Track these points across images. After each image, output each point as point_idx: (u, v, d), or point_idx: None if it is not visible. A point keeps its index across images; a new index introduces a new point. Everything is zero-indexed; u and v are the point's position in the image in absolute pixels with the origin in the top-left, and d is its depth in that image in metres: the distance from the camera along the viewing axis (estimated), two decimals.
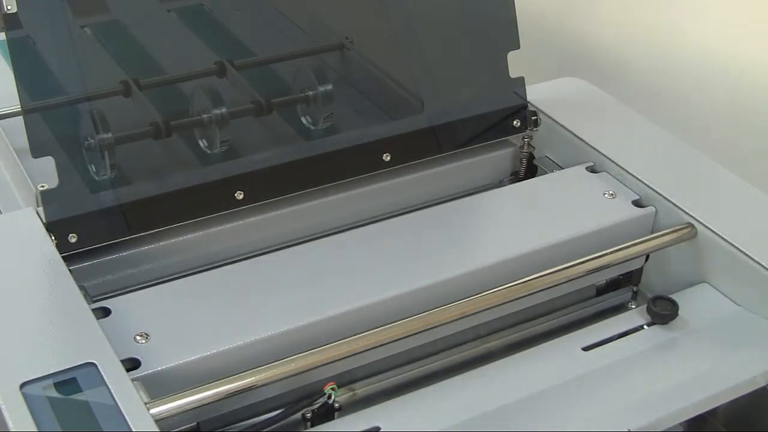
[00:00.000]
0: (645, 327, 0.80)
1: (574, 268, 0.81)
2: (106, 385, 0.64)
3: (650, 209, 0.88)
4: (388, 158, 0.94)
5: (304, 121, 0.96)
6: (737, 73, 1.28)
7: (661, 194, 0.88)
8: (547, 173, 0.97)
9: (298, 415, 0.75)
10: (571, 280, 0.81)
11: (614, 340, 0.79)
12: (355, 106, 1.00)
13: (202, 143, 0.90)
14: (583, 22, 1.46)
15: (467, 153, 0.97)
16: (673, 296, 0.81)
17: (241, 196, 0.85)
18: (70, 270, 0.75)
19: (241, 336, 0.72)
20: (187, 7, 1.05)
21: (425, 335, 0.77)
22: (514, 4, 0.95)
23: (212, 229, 0.85)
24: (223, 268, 0.79)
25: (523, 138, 0.99)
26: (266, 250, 0.86)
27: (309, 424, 0.75)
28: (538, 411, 0.71)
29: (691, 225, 0.85)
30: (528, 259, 0.82)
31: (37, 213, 0.79)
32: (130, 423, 0.61)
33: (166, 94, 0.94)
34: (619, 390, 0.73)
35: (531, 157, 0.99)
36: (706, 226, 0.84)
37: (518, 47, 0.95)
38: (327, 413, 0.75)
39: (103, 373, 0.65)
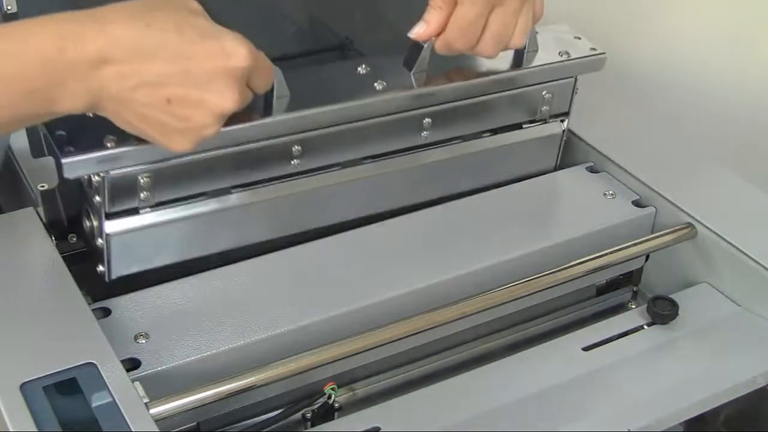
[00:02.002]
0: (645, 327, 0.80)
1: (575, 268, 0.81)
2: (106, 385, 0.64)
3: (650, 209, 0.88)
4: None
5: None
6: (737, 72, 1.28)
7: (661, 194, 0.88)
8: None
9: (298, 415, 0.75)
10: (571, 280, 0.81)
11: (614, 340, 0.79)
12: None
13: None
14: (583, 22, 1.46)
15: None
16: (673, 296, 0.81)
17: None
18: (70, 270, 0.75)
19: (241, 336, 0.72)
20: None
21: (425, 335, 0.77)
22: None
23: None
24: (223, 268, 0.79)
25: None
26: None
27: (309, 424, 0.75)
28: (538, 411, 0.71)
29: (691, 225, 0.85)
30: (528, 259, 0.82)
31: (37, 213, 0.79)
32: (130, 423, 0.61)
33: None
34: (619, 390, 0.73)
35: None
36: (706, 226, 0.84)
37: None
38: (327, 413, 0.75)
39: (103, 373, 0.65)
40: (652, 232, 0.87)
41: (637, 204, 0.89)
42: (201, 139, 0.67)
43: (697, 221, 0.85)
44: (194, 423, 0.72)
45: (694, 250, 0.85)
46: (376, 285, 0.77)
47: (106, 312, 0.73)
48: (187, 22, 0.65)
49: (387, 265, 0.80)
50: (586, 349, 0.77)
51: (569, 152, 0.97)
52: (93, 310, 0.72)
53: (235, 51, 0.65)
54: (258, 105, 0.74)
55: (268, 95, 0.75)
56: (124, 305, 0.74)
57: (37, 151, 0.81)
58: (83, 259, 0.80)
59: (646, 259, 0.90)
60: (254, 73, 0.69)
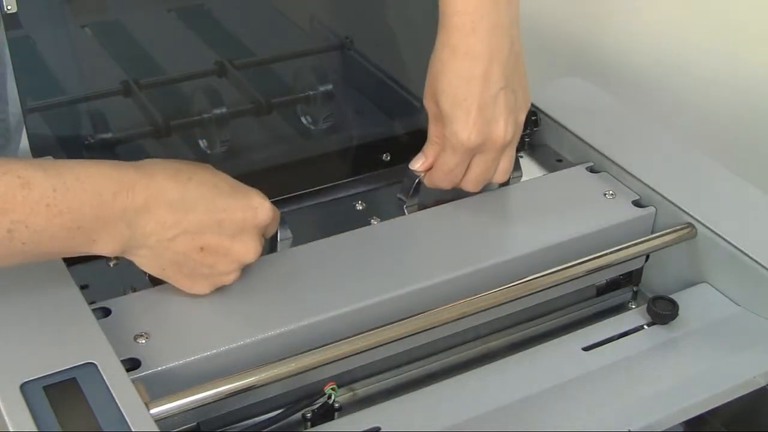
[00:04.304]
0: (645, 327, 0.80)
1: (575, 268, 0.81)
2: (106, 385, 0.64)
3: (650, 209, 0.88)
4: (388, 158, 0.94)
5: (304, 121, 0.96)
6: (737, 72, 1.28)
7: (661, 194, 0.88)
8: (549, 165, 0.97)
9: (299, 415, 0.75)
10: (571, 280, 0.81)
11: (614, 340, 0.79)
12: (355, 106, 1.00)
13: (202, 143, 0.90)
14: (583, 22, 1.46)
15: None
16: (673, 296, 0.81)
17: None
18: (70, 270, 0.75)
19: (241, 336, 0.72)
20: (187, 7, 1.05)
21: (425, 335, 0.77)
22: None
23: None
24: None
25: (523, 138, 0.99)
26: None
27: (309, 424, 0.75)
28: (538, 411, 0.71)
29: (691, 225, 0.85)
30: (528, 259, 0.82)
31: None
32: (130, 423, 0.61)
33: (166, 94, 0.94)
34: (619, 390, 0.73)
35: None
36: (706, 226, 0.84)
37: None
38: (327, 413, 0.75)
39: (103, 373, 0.65)
40: (652, 232, 0.87)
41: (637, 204, 0.89)
42: (220, 284, 0.75)
43: (697, 221, 0.85)
44: (194, 423, 0.72)
45: (694, 250, 0.85)
46: (376, 285, 0.77)
47: (106, 312, 0.73)
48: (219, 178, 0.74)
49: (387, 265, 0.80)
50: (586, 349, 0.77)
51: (569, 152, 0.97)
52: (93, 310, 0.72)
53: (261, 205, 0.74)
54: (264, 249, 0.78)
55: (273, 238, 0.81)
56: (124, 305, 0.74)
57: (37, 152, 0.81)
58: (83, 259, 0.80)
59: (646, 259, 0.90)
60: (269, 224, 0.76)
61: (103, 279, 0.78)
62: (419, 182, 0.86)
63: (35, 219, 0.65)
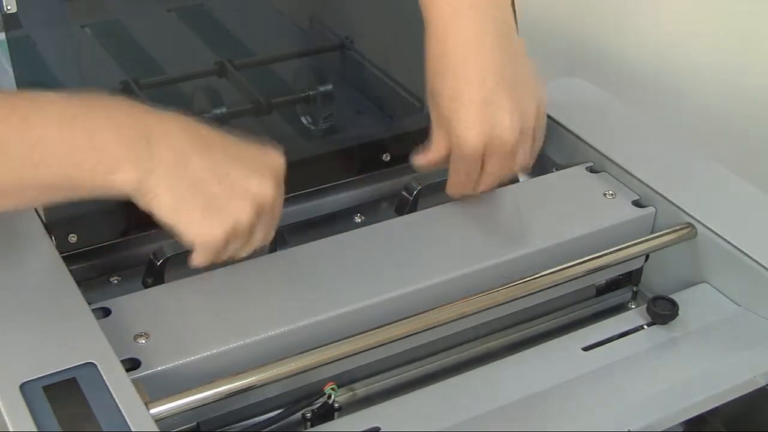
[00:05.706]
0: (645, 327, 0.80)
1: (574, 268, 0.81)
2: (106, 385, 0.64)
3: (650, 209, 0.88)
4: (388, 158, 0.94)
5: (304, 121, 0.96)
6: (737, 72, 1.28)
7: (661, 194, 0.88)
8: (547, 173, 0.97)
9: (298, 415, 0.75)
10: (571, 280, 0.81)
11: (614, 340, 0.79)
12: (355, 106, 1.00)
13: None
14: (583, 23, 1.46)
15: None
16: (673, 296, 0.81)
17: None
18: (70, 270, 0.75)
19: (241, 336, 0.72)
20: (187, 7, 1.05)
21: (425, 335, 0.77)
22: (513, 3, 0.95)
23: None
24: (223, 268, 0.79)
25: None
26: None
27: (309, 424, 0.75)
28: (538, 411, 0.71)
29: (691, 225, 0.85)
30: (528, 259, 0.82)
31: (37, 213, 0.79)
32: (130, 423, 0.61)
33: (166, 94, 0.94)
34: (619, 390, 0.73)
35: None
36: (706, 226, 0.84)
37: None
38: (327, 413, 0.75)
39: (103, 373, 0.65)
40: (652, 232, 0.87)
41: (637, 204, 0.89)
42: (234, 225, 0.70)
43: (697, 221, 0.85)
44: (194, 423, 0.72)
45: (694, 250, 0.85)
46: (376, 285, 0.77)
47: (106, 312, 0.73)
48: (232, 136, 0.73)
49: (387, 265, 0.80)
50: (586, 349, 0.77)
51: (569, 152, 0.97)
52: (93, 310, 0.72)
53: (275, 155, 0.73)
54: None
55: (273, 241, 0.78)
56: (124, 305, 0.74)
57: None
58: (83, 259, 0.80)
59: (646, 259, 0.90)
60: (275, 205, 0.73)
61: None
62: (419, 192, 0.86)
63: (52, 132, 0.64)
